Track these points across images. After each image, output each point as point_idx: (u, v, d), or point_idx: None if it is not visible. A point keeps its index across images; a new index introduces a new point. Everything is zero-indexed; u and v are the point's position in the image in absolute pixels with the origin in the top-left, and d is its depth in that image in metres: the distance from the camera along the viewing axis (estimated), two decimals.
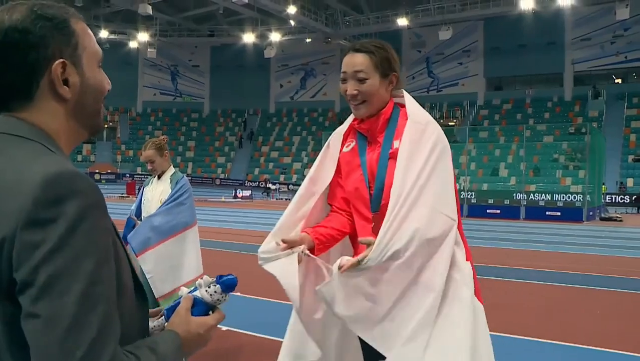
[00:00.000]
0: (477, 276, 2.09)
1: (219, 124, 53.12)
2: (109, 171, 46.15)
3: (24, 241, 0.88)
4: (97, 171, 44.76)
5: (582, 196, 25.64)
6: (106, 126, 50.55)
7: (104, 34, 42.60)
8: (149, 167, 4.53)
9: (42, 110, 1.04)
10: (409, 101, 2.18)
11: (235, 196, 37.46)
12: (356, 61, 2.13)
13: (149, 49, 45.19)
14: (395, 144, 2.10)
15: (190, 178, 45.11)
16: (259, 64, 48.95)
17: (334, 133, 2.34)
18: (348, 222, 2.24)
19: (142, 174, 42.72)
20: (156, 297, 4.14)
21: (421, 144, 2.02)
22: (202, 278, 1.32)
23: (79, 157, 47.28)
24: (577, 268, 10.18)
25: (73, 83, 1.06)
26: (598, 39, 40.75)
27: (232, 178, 48.60)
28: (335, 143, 2.31)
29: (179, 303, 1.30)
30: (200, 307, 1.28)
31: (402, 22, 39.45)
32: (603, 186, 30.69)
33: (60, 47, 1.03)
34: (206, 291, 1.30)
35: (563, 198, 26.47)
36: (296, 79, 52.59)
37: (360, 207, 2.18)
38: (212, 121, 53.52)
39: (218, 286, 1.30)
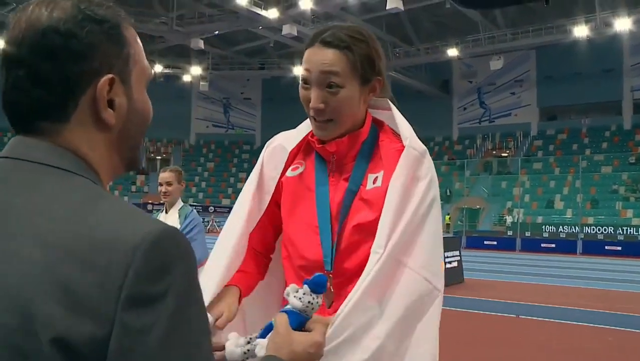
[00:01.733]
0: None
1: None
2: (161, 202, 47.22)
3: (129, 327, 0.66)
4: (149, 201, 45.65)
5: None
6: (159, 157, 51.83)
7: (158, 68, 43.95)
8: (163, 190, 4.35)
9: (80, 136, 0.81)
10: (399, 118, 1.55)
11: None
12: (326, 57, 1.42)
13: (201, 82, 46.32)
14: (370, 178, 1.48)
15: None
16: None
17: (270, 145, 1.64)
18: (264, 271, 1.63)
19: (194, 205, 43.50)
20: None
21: (415, 180, 1.45)
22: (288, 287, 1.21)
23: (133, 188, 48.46)
24: None
25: (119, 105, 0.83)
26: None
27: None
28: (273, 161, 1.60)
29: (271, 324, 1.18)
30: (294, 318, 1.16)
31: (452, 52, 39.17)
32: None
33: (110, 59, 0.82)
34: (294, 297, 1.17)
35: (624, 231, 25.40)
36: None
37: (299, 260, 1.51)
38: None
39: (305, 286, 1.18)
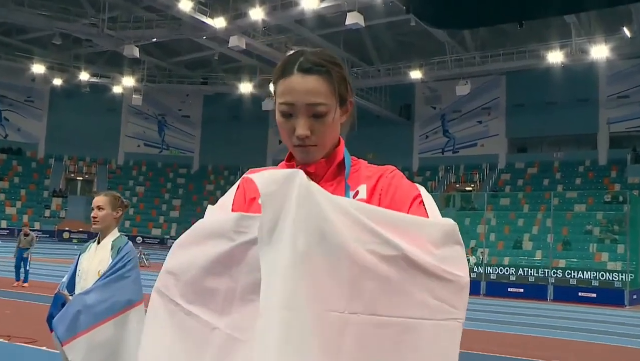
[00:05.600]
0: None
1: (209, 182, 53.08)
2: (80, 229, 44.98)
3: None
4: (66, 228, 44.29)
5: (622, 274, 25.08)
6: (81, 178, 50.45)
7: (84, 76, 42.53)
8: (93, 214, 4.29)
9: None
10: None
11: None
12: (309, 86, 1.55)
13: (134, 95, 45.49)
14: (350, 195, 1.64)
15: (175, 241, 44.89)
16: (256, 117, 49.11)
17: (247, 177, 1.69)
18: None
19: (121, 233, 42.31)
20: None
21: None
22: None
23: (47, 213, 46.75)
24: None
25: None
26: (637, 97, 40.70)
27: None
28: (252, 186, 1.66)
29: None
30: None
31: (416, 75, 39.67)
32: None
33: None
34: None
35: (599, 276, 25.92)
36: None
37: None
38: (201, 177, 53.53)
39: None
